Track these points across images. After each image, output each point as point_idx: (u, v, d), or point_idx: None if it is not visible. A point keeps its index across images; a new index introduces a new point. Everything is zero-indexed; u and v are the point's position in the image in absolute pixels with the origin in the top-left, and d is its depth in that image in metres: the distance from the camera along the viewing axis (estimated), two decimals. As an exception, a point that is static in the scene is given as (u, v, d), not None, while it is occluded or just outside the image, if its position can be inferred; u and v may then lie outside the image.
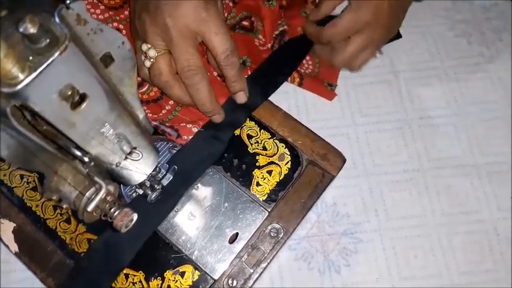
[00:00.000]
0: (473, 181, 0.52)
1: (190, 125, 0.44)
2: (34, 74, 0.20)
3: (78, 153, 0.25)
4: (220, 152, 0.44)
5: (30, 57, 0.21)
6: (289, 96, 0.55)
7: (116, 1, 0.47)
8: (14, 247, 0.43)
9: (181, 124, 0.44)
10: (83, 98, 0.24)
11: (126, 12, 0.46)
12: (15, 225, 0.44)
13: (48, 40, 0.21)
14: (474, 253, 0.50)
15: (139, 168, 0.35)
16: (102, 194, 0.28)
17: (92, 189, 0.29)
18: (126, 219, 0.30)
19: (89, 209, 0.28)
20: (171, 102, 0.45)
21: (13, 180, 0.45)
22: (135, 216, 0.32)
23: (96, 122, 0.26)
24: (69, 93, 0.22)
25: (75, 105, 0.23)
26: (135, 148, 0.31)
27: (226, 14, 0.50)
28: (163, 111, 0.44)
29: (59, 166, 0.28)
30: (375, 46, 0.50)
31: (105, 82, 0.26)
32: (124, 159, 0.31)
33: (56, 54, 0.20)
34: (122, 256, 0.41)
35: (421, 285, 0.49)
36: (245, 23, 0.50)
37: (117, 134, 0.28)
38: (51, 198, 0.29)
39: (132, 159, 0.31)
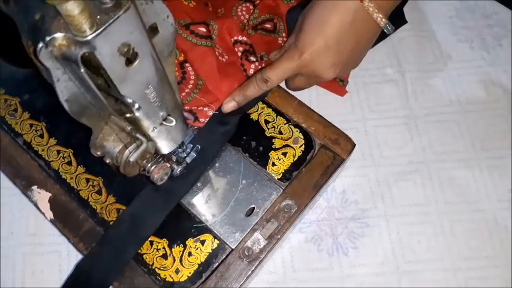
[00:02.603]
0: (475, 173, 0.55)
1: (207, 108, 0.48)
2: (101, 29, 0.25)
3: (130, 100, 0.29)
4: (232, 132, 0.48)
5: (98, 16, 0.25)
6: (302, 92, 0.59)
7: None
8: (50, 214, 0.47)
9: (199, 108, 0.48)
10: (135, 57, 0.28)
11: None
12: (50, 195, 0.48)
13: (114, 2, 0.25)
14: (474, 240, 0.52)
15: (169, 138, 0.39)
16: (143, 147, 0.32)
17: (134, 145, 0.33)
18: (162, 172, 0.34)
19: (132, 159, 0.32)
20: (190, 85, 0.48)
21: (50, 155, 0.49)
22: (169, 170, 0.35)
23: (143, 82, 0.30)
24: (126, 49, 0.27)
25: (128, 62, 0.28)
26: (169, 115, 0.36)
27: (247, 16, 0.54)
28: (182, 94, 0.48)
29: (105, 123, 0.32)
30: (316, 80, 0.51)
31: (153, 48, 0.30)
32: (160, 125, 0.35)
33: (120, 13, 0.25)
34: (146, 227, 0.45)
35: (424, 268, 0.51)
36: (268, 25, 0.54)
37: (158, 98, 0.33)
38: (96, 154, 0.33)
39: (167, 125, 0.35)
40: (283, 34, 0.54)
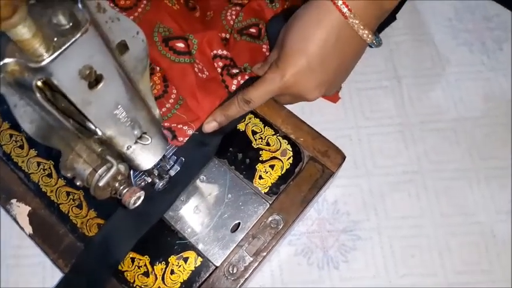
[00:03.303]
0: (472, 184, 0.53)
1: (186, 127, 0.46)
2: (57, 52, 0.23)
3: (94, 127, 0.27)
4: (212, 155, 0.46)
5: (55, 39, 0.23)
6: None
7: (128, 2, 0.50)
8: (29, 229, 0.46)
9: (178, 126, 0.46)
10: (99, 79, 0.26)
11: (140, 9, 0.49)
12: (30, 208, 0.46)
13: (71, 23, 0.23)
14: (471, 253, 0.51)
15: (149, 153, 0.37)
16: (113, 171, 0.30)
17: (104, 167, 0.31)
18: (134, 197, 0.33)
19: (100, 184, 0.30)
20: (171, 100, 0.46)
21: (30, 166, 0.48)
22: (142, 194, 0.34)
23: (111, 103, 0.28)
24: (88, 72, 0.25)
25: (92, 85, 0.26)
26: (145, 133, 0.34)
27: (234, 17, 0.52)
28: (163, 109, 0.46)
29: (75, 145, 0.31)
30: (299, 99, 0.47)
31: (120, 67, 0.28)
32: (135, 143, 0.34)
33: (78, 35, 0.23)
34: (118, 251, 0.43)
35: (417, 284, 0.50)
36: (253, 30, 0.52)
37: (129, 117, 0.31)
38: (66, 176, 0.32)
39: (142, 144, 0.33)
40: (267, 41, 0.52)
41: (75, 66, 0.24)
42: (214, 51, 0.48)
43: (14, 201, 0.47)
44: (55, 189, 0.46)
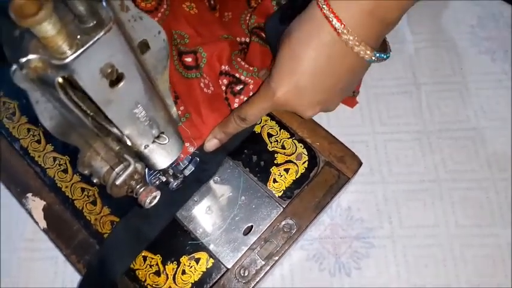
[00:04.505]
0: (490, 195, 0.52)
1: (188, 144, 0.45)
2: (81, 50, 0.23)
3: (114, 129, 0.27)
4: (212, 173, 0.46)
5: (79, 36, 0.23)
6: (311, 102, 0.57)
7: (152, 4, 0.50)
8: (43, 224, 0.46)
9: None
10: (120, 77, 0.26)
11: (160, 14, 0.49)
12: (45, 203, 0.47)
13: (95, 21, 0.23)
14: (486, 266, 0.50)
15: (165, 153, 0.37)
16: (130, 170, 0.30)
17: (121, 166, 0.31)
18: (150, 196, 0.33)
19: (117, 182, 0.30)
20: (179, 111, 0.46)
21: (46, 161, 0.48)
22: (158, 194, 0.34)
23: (130, 102, 0.28)
24: (109, 71, 0.25)
25: (113, 84, 0.26)
26: (162, 133, 0.34)
27: (248, 19, 0.52)
28: None
29: (93, 142, 0.31)
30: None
31: (141, 66, 0.28)
32: (152, 143, 0.34)
33: (101, 33, 0.23)
34: (115, 269, 0.43)
35: (430, 294, 0.49)
36: (263, 34, 0.50)
37: (148, 117, 0.31)
38: (83, 173, 0.32)
39: (160, 143, 0.33)
40: None
41: (97, 64, 0.24)
42: (222, 67, 0.47)
43: (29, 195, 0.47)
44: (70, 185, 0.47)
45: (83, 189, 0.46)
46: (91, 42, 0.23)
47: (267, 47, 0.50)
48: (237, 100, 0.47)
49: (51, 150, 0.48)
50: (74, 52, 0.23)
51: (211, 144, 0.45)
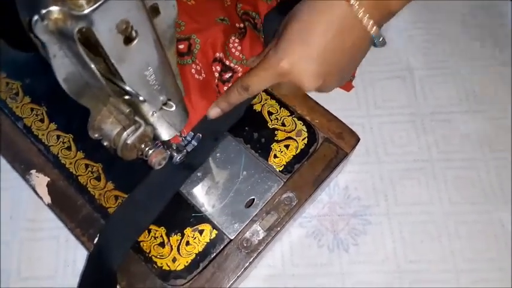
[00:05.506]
0: (481, 174, 0.54)
1: None
2: (98, 3, 0.24)
3: (127, 87, 0.28)
4: (202, 160, 0.47)
5: (96, -10, 0.24)
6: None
7: None
8: (48, 199, 0.46)
9: None
10: (134, 36, 0.27)
11: None
12: (49, 179, 0.47)
13: (112, -23, 0.24)
14: (479, 242, 0.51)
15: (170, 125, 0.38)
16: (141, 130, 0.31)
17: (132, 127, 0.32)
18: (160, 157, 0.33)
19: (129, 141, 0.31)
20: None
21: (50, 139, 0.49)
22: (167, 155, 0.35)
23: (142, 63, 0.29)
24: (124, 27, 0.26)
25: (127, 41, 0.27)
26: (169, 100, 0.35)
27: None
28: None
29: (103, 105, 0.32)
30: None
31: (153, 29, 0.29)
32: (159, 109, 0.35)
33: (119, -12, 0.24)
34: (147, 214, 0.44)
35: (425, 269, 0.50)
36: (251, 19, 0.51)
37: (157, 81, 0.32)
38: (93, 137, 0.33)
39: (167, 109, 0.35)
40: (263, 36, 0.51)
41: (114, 18, 0.25)
42: (216, 54, 0.48)
43: (33, 171, 0.48)
44: (74, 162, 0.47)
45: (86, 166, 0.47)
46: (109, -5, 0.24)
47: (259, 35, 0.51)
48: (225, 88, 0.48)
49: (55, 128, 0.49)
50: (93, 4, 0.24)
51: (213, 112, 0.46)
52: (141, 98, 0.29)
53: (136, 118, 0.32)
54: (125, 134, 0.31)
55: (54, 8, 0.24)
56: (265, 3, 0.52)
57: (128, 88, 0.28)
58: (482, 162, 0.55)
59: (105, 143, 0.33)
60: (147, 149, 0.33)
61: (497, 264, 0.50)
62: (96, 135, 0.33)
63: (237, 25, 0.52)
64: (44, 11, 0.24)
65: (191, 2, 0.51)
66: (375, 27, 0.39)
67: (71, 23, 0.24)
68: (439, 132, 0.56)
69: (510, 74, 0.59)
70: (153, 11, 0.31)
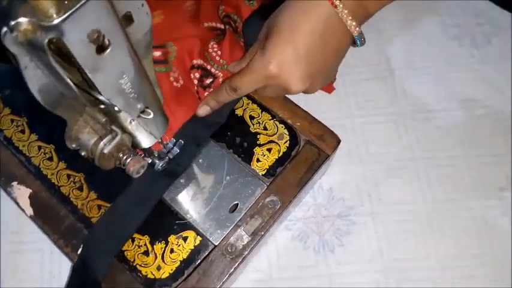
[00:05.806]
0: (463, 171, 0.55)
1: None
2: (68, 13, 0.24)
3: (101, 97, 0.28)
4: (186, 166, 0.47)
5: (66, 1, 0.24)
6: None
7: None
8: (30, 211, 0.46)
9: None
10: (106, 45, 0.27)
11: None
12: (31, 191, 0.47)
13: (82, -13, 0.24)
14: (462, 238, 0.52)
15: (150, 131, 0.38)
16: (118, 139, 0.31)
17: (109, 136, 0.32)
18: (138, 165, 0.33)
19: (106, 151, 0.31)
20: None
21: (31, 150, 0.48)
22: (146, 164, 0.35)
23: (116, 71, 0.29)
24: (96, 36, 0.26)
25: (100, 51, 0.27)
26: (147, 108, 0.35)
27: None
28: None
29: (80, 115, 0.32)
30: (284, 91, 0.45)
31: (126, 37, 0.29)
32: (137, 117, 0.35)
33: (89, -2, 0.24)
34: (130, 224, 0.44)
35: (411, 267, 0.51)
36: (232, 23, 0.51)
37: (133, 89, 0.32)
38: (71, 147, 0.33)
39: (145, 117, 0.35)
40: (243, 39, 0.51)
41: (84, 28, 0.25)
42: (194, 61, 0.48)
43: (14, 183, 0.47)
44: (56, 172, 0.47)
45: (68, 176, 0.47)
46: (78, 5, 0.24)
47: (239, 40, 0.51)
48: (206, 94, 0.48)
49: (36, 139, 0.49)
50: (62, 15, 0.24)
51: (203, 110, 0.46)
52: (116, 108, 0.29)
53: (113, 127, 0.32)
54: (102, 143, 0.31)
55: (23, 19, 0.24)
56: (248, 6, 0.52)
57: (102, 98, 0.28)
58: (464, 159, 0.56)
59: (83, 153, 0.33)
60: (124, 157, 0.33)
61: (480, 260, 0.51)
62: (74, 146, 0.33)
63: (217, 25, 0.51)
64: (13, 23, 0.24)
65: (160, 18, 0.50)
66: (357, 28, 0.40)
67: (41, 34, 0.24)
68: (421, 131, 0.57)
69: (488, 72, 0.59)
70: (126, 20, 0.31)
